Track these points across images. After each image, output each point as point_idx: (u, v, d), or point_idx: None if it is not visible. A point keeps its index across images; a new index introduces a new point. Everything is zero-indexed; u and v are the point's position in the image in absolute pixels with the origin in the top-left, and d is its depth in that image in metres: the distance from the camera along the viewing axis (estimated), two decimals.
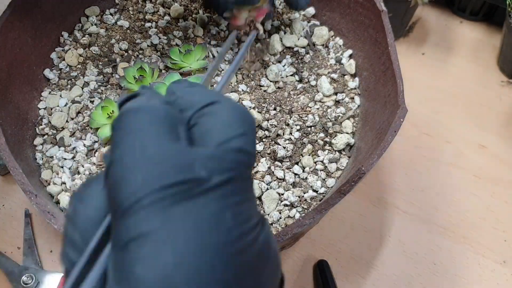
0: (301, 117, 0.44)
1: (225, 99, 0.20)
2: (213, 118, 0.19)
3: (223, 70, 0.46)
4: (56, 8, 0.47)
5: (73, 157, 0.42)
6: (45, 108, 0.45)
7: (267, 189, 0.41)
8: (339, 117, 0.44)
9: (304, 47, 0.48)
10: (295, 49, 0.48)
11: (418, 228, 0.50)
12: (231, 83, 0.46)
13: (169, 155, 0.16)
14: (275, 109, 0.44)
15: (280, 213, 0.40)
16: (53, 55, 0.47)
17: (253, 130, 0.20)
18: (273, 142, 0.43)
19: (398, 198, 0.52)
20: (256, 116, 0.43)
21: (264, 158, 0.42)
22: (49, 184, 0.41)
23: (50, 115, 0.44)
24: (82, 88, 0.46)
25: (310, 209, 0.40)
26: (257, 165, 0.42)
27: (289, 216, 0.40)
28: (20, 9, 0.43)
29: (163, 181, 0.16)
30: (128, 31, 0.49)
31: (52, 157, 0.42)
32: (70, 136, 0.43)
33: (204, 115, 0.19)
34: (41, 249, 0.46)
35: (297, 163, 0.42)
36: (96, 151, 0.42)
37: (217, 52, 0.47)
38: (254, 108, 0.44)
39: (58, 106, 0.45)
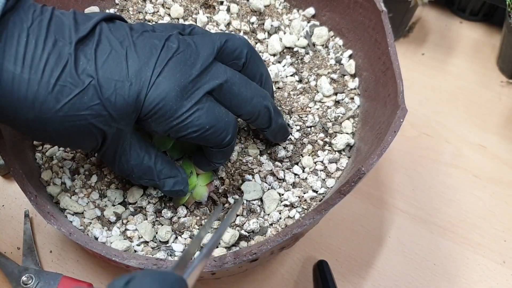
0: (301, 117, 0.45)
1: (139, 273, 0.23)
2: None
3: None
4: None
5: (73, 158, 0.42)
6: None
7: (269, 189, 0.41)
8: (339, 118, 0.44)
9: (304, 47, 0.48)
10: (295, 49, 0.48)
11: (418, 228, 0.50)
12: None
13: None
14: None
15: (280, 213, 0.40)
16: None
17: (176, 284, 0.22)
18: (273, 143, 0.43)
19: (398, 198, 0.52)
20: None
21: (265, 157, 0.42)
22: (49, 184, 0.41)
23: None
24: None
25: (310, 210, 0.40)
26: (261, 166, 0.42)
27: (289, 217, 0.40)
28: None
29: None
30: None
31: (52, 157, 0.42)
32: None
33: None
34: (41, 250, 0.46)
35: (297, 164, 0.42)
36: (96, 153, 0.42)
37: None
38: None
39: None
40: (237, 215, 0.40)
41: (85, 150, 0.35)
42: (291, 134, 0.43)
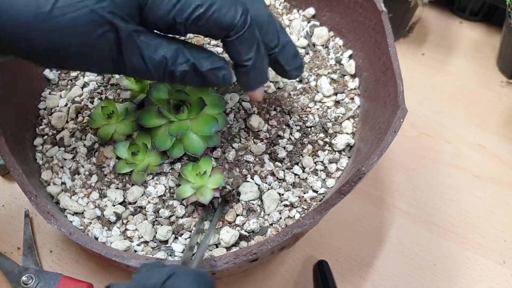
0: (301, 118, 0.45)
1: (180, 270, 0.24)
2: None
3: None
4: None
5: (73, 158, 0.42)
6: (45, 109, 0.45)
7: (268, 189, 0.41)
8: (339, 118, 0.45)
9: (304, 48, 0.48)
10: None
11: (418, 228, 0.50)
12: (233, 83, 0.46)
13: None
14: (275, 109, 0.44)
15: (280, 213, 0.40)
16: None
17: (212, 286, 0.24)
18: (273, 143, 0.43)
19: (398, 198, 0.52)
20: (256, 119, 0.43)
21: (266, 158, 0.42)
22: (49, 184, 0.41)
23: (50, 115, 0.44)
24: (82, 88, 0.46)
25: (310, 210, 0.40)
26: (262, 166, 0.42)
27: (289, 217, 0.40)
28: None
29: None
30: None
31: (52, 157, 0.42)
32: (70, 136, 0.43)
33: None
34: (41, 250, 0.46)
35: (297, 164, 0.42)
36: (96, 151, 0.42)
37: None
38: (253, 108, 0.44)
39: (58, 106, 0.45)
40: (237, 215, 0.40)
41: (104, 65, 0.32)
42: (292, 134, 0.43)
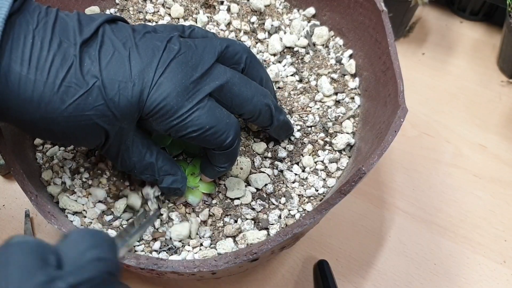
0: (301, 117, 0.45)
1: (75, 230, 0.24)
2: (66, 242, 0.23)
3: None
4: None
5: (74, 157, 0.42)
6: None
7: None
8: (339, 117, 0.45)
9: (304, 47, 0.48)
10: (295, 49, 0.48)
11: (418, 228, 0.50)
12: None
13: (33, 280, 0.20)
14: None
15: (280, 212, 0.40)
16: None
17: (107, 241, 0.23)
18: (273, 142, 0.43)
19: (398, 198, 0.52)
20: None
21: (266, 160, 0.42)
22: (49, 184, 0.41)
23: None
24: None
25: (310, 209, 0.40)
26: (261, 166, 0.42)
27: (289, 215, 0.40)
28: None
29: None
30: None
31: (52, 157, 0.42)
32: None
33: (60, 245, 0.22)
34: None
35: (297, 163, 0.42)
36: (97, 151, 0.42)
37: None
38: None
39: None
40: None
41: (88, 148, 0.35)
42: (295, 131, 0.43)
